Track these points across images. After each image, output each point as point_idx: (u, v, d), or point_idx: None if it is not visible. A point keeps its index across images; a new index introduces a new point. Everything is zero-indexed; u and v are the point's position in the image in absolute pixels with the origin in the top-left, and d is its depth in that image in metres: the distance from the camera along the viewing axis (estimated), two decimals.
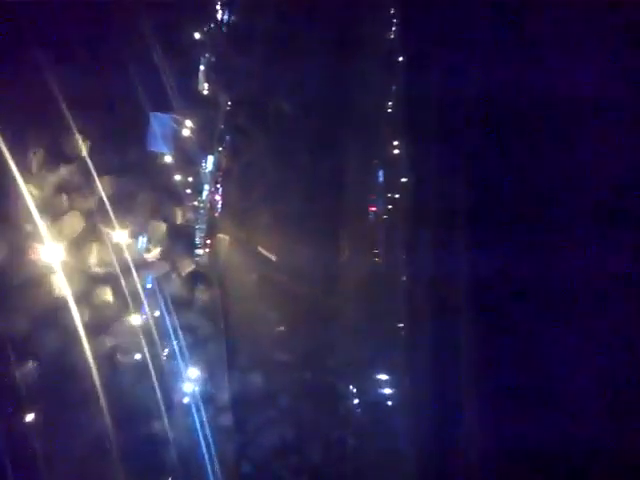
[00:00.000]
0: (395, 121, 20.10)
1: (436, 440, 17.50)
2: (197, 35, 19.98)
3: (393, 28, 20.29)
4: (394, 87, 20.26)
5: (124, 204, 16.17)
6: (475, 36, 16.74)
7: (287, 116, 20.30)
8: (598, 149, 14.67)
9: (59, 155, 14.69)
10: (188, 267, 18.26)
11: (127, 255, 15.56)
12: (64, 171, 14.72)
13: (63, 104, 14.34)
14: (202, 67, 20.42)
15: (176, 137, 19.43)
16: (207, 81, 20.39)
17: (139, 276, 15.65)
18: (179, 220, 18.36)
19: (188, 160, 19.43)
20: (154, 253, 16.94)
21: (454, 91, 17.62)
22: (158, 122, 19.62)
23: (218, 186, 20.21)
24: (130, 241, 16.11)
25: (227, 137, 20.76)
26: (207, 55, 20.43)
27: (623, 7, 13.62)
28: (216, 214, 20.47)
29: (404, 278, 18.88)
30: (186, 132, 19.42)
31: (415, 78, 19.24)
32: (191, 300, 18.20)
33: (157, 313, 16.41)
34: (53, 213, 14.36)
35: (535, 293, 15.25)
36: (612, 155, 14.38)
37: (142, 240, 17.01)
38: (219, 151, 20.55)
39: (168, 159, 18.76)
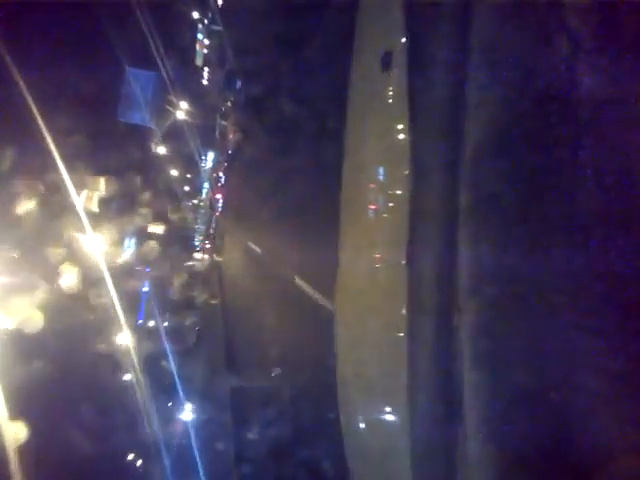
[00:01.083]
0: (396, 118, 20.03)
1: (436, 439, 17.55)
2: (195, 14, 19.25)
3: (394, 23, 20.22)
4: (395, 83, 20.20)
5: (116, 203, 15.94)
6: (476, 34, 16.61)
7: (288, 112, 20.20)
8: (599, 149, 14.55)
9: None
10: (186, 271, 18.18)
11: (122, 259, 15.51)
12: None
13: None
14: (200, 36, 19.19)
15: (160, 105, 17.56)
16: (206, 58, 19.35)
17: (135, 280, 15.62)
18: (177, 221, 18.17)
19: (184, 149, 18.71)
20: (151, 256, 16.82)
21: (456, 88, 17.55)
22: (136, 81, 16.95)
23: (221, 176, 19.74)
24: (124, 244, 16.01)
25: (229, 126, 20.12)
26: (206, 24, 19.44)
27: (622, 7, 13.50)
28: (217, 213, 20.20)
29: (405, 277, 18.81)
30: (181, 115, 18.18)
31: (417, 75, 19.13)
32: (190, 305, 18.18)
33: (155, 317, 16.43)
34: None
35: (536, 292, 15.18)
36: (613, 154, 14.27)
37: (136, 242, 16.75)
38: (221, 139, 19.93)
39: (162, 150, 17.97)
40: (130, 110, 16.80)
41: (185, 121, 18.63)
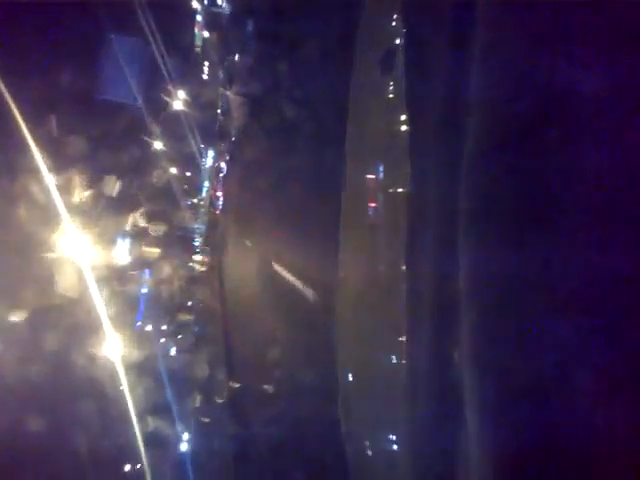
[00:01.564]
0: (396, 118, 20.07)
1: (436, 439, 17.57)
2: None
3: (394, 24, 20.24)
4: (395, 83, 20.25)
5: (113, 203, 15.69)
6: (476, 35, 16.57)
7: (288, 112, 20.12)
8: (599, 149, 14.52)
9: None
10: (186, 271, 18.07)
11: (120, 260, 15.43)
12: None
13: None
14: (199, 18, 18.60)
15: (149, 80, 16.45)
16: (205, 48, 18.80)
17: (133, 282, 15.55)
18: (176, 221, 17.99)
19: (183, 146, 18.26)
20: (149, 257, 16.71)
21: (456, 88, 17.52)
22: (121, 49, 15.07)
23: (223, 166, 19.40)
24: (122, 245, 15.90)
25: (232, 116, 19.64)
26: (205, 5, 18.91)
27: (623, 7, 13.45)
28: (217, 212, 19.93)
29: (404, 278, 18.84)
30: (178, 105, 17.65)
31: (417, 75, 19.13)
32: (189, 306, 18.13)
33: (154, 318, 16.41)
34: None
35: (535, 293, 15.15)
36: (613, 154, 14.24)
37: (134, 243, 16.55)
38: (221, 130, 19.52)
39: (159, 145, 17.43)
40: (113, 85, 15.04)
41: (184, 112, 18.06)
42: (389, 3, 19.91)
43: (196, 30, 19.27)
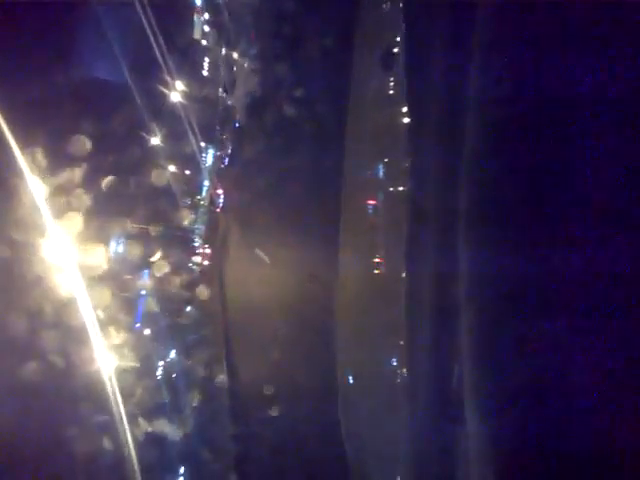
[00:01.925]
0: (396, 117, 20.02)
1: (436, 439, 17.59)
2: None
3: (394, 22, 20.19)
4: (395, 83, 20.20)
5: (111, 201, 15.53)
6: (475, 35, 16.54)
7: (287, 111, 20.08)
8: (598, 149, 14.50)
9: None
10: (186, 272, 18.02)
11: (119, 261, 15.38)
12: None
13: None
14: (198, 2, 18.11)
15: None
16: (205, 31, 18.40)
17: (132, 283, 15.51)
18: (175, 221, 17.91)
19: (180, 140, 17.93)
20: (149, 258, 16.65)
21: (456, 88, 17.50)
22: (119, 43, 13.57)
23: (224, 159, 19.23)
24: (120, 246, 15.84)
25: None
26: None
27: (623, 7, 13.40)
28: (217, 211, 19.80)
29: (404, 278, 18.82)
30: (176, 97, 17.11)
31: (417, 74, 19.10)
32: (189, 307, 18.11)
33: (153, 319, 16.39)
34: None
35: (535, 293, 15.16)
36: (612, 155, 14.22)
37: (133, 244, 16.44)
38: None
39: (156, 141, 17.01)
40: (92, 60, 13.41)
41: (184, 110, 17.75)
42: (389, 2, 19.86)
43: (196, 27, 19.14)
